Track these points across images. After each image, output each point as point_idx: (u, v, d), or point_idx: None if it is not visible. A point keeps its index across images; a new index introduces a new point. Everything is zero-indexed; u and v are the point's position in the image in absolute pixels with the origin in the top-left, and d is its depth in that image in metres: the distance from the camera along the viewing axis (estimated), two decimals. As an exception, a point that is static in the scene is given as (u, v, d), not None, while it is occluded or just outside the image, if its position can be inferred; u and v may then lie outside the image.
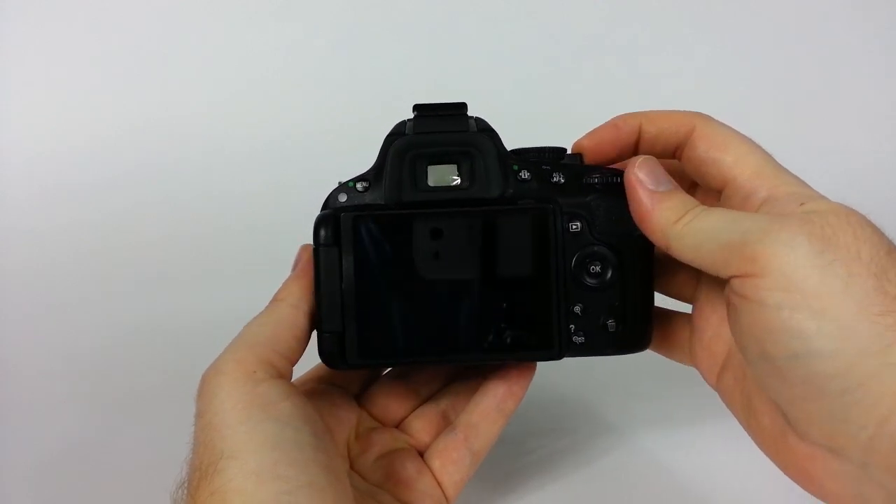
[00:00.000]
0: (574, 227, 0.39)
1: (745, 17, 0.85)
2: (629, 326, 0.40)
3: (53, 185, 0.80)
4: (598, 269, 0.39)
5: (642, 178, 0.37)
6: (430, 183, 0.39)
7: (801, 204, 0.34)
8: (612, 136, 0.41)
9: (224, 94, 0.84)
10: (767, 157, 0.37)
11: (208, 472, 0.32)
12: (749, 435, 0.38)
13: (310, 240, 0.39)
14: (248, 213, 0.78)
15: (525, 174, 0.40)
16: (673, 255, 0.36)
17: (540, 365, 0.43)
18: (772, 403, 0.35)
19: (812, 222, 0.32)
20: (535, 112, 0.81)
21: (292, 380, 0.42)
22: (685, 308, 0.43)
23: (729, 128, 0.39)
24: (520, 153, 0.41)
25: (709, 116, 0.39)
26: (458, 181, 0.39)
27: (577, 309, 0.39)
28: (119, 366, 0.63)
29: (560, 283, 0.39)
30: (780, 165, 0.37)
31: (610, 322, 0.40)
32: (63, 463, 0.53)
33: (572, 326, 0.39)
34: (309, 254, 0.40)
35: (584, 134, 0.42)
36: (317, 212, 0.40)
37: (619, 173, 0.39)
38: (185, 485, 0.34)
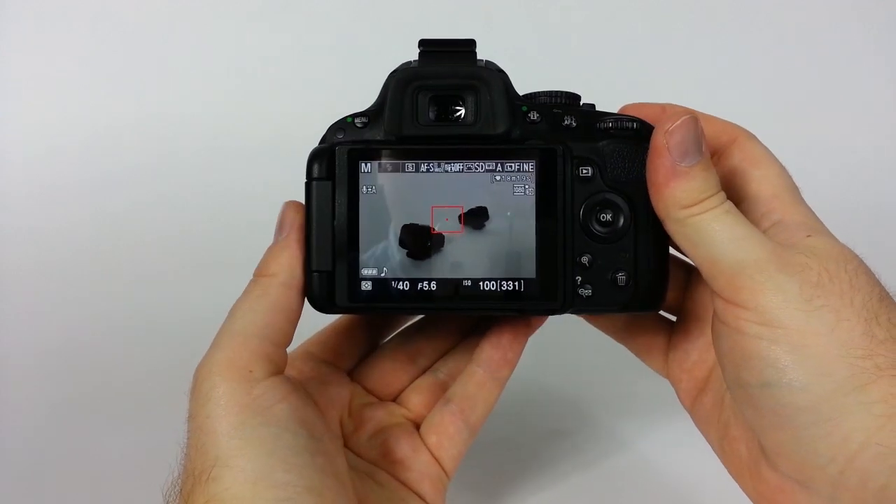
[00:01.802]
0: (584, 171, 0.37)
1: (746, 16, 0.85)
2: (640, 282, 0.37)
3: (51, 184, 0.80)
4: (608, 217, 0.37)
5: (671, 147, 0.34)
6: (433, 117, 0.37)
7: (808, 235, 0.34)
8: (655, 116, 0.38)
9: (221, 94, 0.84)
10: (792, 184, 0.37)
11: (202, 478, 0.31)
12: (721, 461, 0.38)
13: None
14: (245, 211, 0.78)
15: (534, 115, 0.37)
16: (665, 230, 0.35)
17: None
18: (749, 431, 0.35)
19: (809, 269, 0.32)
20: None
21: None
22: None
23: (768, 150, 0.38)
24: (530, 96, 0.38)
25: (753, 134, 0.38)
26: (463, 114, 0.37)
27: (584, 260, 0.37)
28: (117, 365, 0.63)
29: (567, 231, 0.36)
30: (800, 195, 0.37)
31: (620, 276, 0.37)
32: (59, 463, 0.53)
33: (578, 278, 0.37)
34: (295, 213, 0.37)
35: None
36: None
37: (636, 119, 0.37)
38: (178, 487, 0.33)
